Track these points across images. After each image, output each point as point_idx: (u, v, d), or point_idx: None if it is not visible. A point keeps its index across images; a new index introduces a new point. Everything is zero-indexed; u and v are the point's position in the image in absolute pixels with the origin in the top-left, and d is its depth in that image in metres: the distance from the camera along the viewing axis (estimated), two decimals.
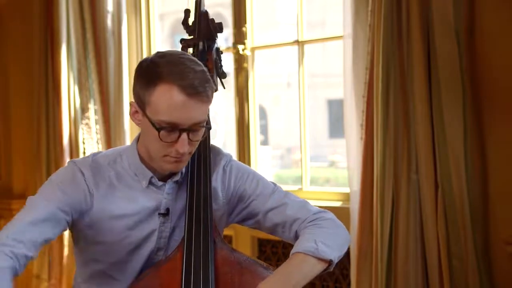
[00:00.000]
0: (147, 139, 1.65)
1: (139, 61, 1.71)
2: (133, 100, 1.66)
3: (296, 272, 1.62)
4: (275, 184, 1.85)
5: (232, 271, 1.67)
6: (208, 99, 1.60)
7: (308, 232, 1.72)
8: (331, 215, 1.80)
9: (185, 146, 1.60)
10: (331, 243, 1.68)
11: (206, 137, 1.77)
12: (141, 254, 1.73)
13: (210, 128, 1.71)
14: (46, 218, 1.60)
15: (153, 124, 1.59)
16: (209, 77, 1.62)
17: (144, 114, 1.61)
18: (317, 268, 1.65)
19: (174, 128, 1.58)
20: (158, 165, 1.67)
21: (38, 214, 1.60)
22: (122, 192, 1.70)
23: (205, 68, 1.63)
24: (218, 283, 1.65)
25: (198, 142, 1.67)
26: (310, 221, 1.75)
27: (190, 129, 1.60)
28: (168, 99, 1.56)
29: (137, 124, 1.68)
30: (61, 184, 1.66)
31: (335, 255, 1.68)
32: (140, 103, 1.62)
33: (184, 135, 1.59)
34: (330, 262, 1.67)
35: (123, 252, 1.72)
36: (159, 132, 1.58)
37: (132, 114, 1.67)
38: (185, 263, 1.64)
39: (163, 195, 1.72)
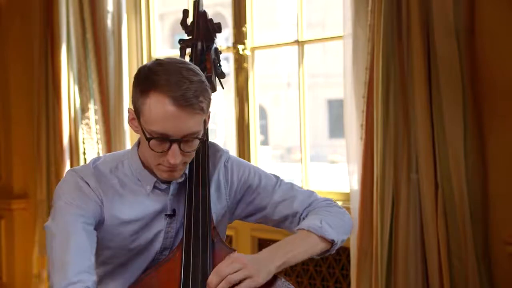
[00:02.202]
0: (143, 146, 1.65)
1: (139, 63, 1.70)
2: (130, 106, 1.65)
3: (296, 245, 1.64)
4: (277, 177, 1.85)
5: None
6: (201, 111, 1.57)
7: (314, 213, 1.75)
8: (337, 203, 1.83)
9: (176, 157, 1.58)
10: (336, 225, 1.71)
11: (205, 138, 1.76)
12: (147, 254, 1.73)
13: (203, 140, 1.67)
14: (84, 238, 1.58)
15: (144, 133, 1.58)
16: (207, 87, 1.59)
17: (139, 121, 1.60)
18: (319, 246, 1.67)
19: (164, 139, 1.57)
20: (155, 172, 1.67)
21: (76, 238, 1.57)
22: (127, 199, 1.69)
23: (203, 78, 1.60)
24: None
25: (193, 153, 1.64)
26: (318, 207, 1.78)
27: (182, 140, 1.58)
28: (159, 110, 1.54)
29: (135, 131, 1.66)
30: (74, 201, 1.63)
31: (339, 238, 1.70)
32: (136, 110, 1.61)
33: (175, 146, 1.57)
34: (332, 243, 1.69)
35: (130, 254, 1.72)
36: (149, 141, 1.57)
37: (130, 121, 1.66)
38: (184, 263, 1.64)
39: (168, 196, 1.71)
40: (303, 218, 1.78)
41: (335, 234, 1.69)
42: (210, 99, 1.61)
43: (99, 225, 1.66)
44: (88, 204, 1.64)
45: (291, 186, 1.83)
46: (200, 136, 1.61)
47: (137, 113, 1.60)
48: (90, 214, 1.63)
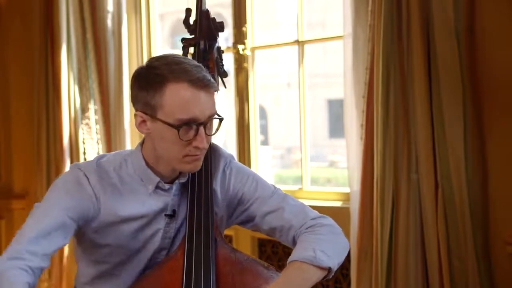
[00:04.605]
0: (162, 145, 1.63)
1: (139, 63, 1.71)
2: (136, 111, 1.64)
3: (294, 282, 1.60)
4: (274, 187, 1.83)
5: (233, 271, 1.67)
6: (215, 89, 1.63)
7: (305, 239, 1.69)
8: (329, 220, 1.77)
9: (204, 140, 1.61)
10: (329, 250, 1.66)
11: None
12: (144, 254, 1.73)
13: (222, 119, 1.69)
14: (57, 227, 1.59)
15: (171, 125, 1.58)
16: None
17: (157, 119, 1.60)
18: (316, 276, 1.63)
19: (191, 124, 1.59)
20: (177, 167, 1.66)
21: (49, 223, 1.58)
22: (128, 197, 1.69)
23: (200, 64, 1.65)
24: (219, 283, 1.65)
25: (212, 136, 1.67)
26: (308, 227, 1.73)
27: (206, 123, 1.61)
28: (182, 97, 1.57)
29: (146, 133, 1.66)
30: (68, 191, 1.64)
31: (334, 263, 1.66)
32: (149, 110, 1.60)
33: (202, 129, 1.60)
34: (329, 269, 1.65)
35: (128, 253, 1.72)
36: (178, 131, 1.58)
37: (139, 125, 1.65)
38: (186, 262, 1.64)
39: (170, 196, 1.72)
40: (292, 237, 1.74)
41: (331, 261, 1.64)
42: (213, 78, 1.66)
43: (88, 222, 1.66)
44: (81, 198, 1.64)
45: (283, 197, 1.79)
46: (217, 116, 1.65)
47: (151, 112, 1.60)
48: (78, 209, 1.63)
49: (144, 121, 1.63)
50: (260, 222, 1.79)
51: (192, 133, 1.59)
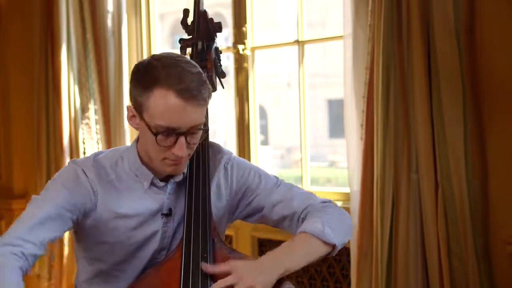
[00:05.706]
0: (146, 142, 1.64)
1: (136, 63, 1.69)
2: (129, 104, 1.66)
3: (298, 250, 1.63)
4: (277, 178, 1.85)
5: None
6: (204, 102, 1.60)
7: (315, 215, 1.72)
8: (336, 204, 1.81)
9: (183, 149, 1.59)
10: (337, 228, 1.69)
11: (205, 137, 1.76)
12: (144, 254, 1.73)
13: (207, 130, 1.69)
14: (53, 217, 1.60)
15: (150, 129, 1.58)
16: (205, 78, 1.61)
17: (142, 118, 1.61)
18: (320, 250, 1.66)
19: (171, 132, 1.58)
20: (158, 168, 1.67)
21: (45, 213, 1.60)
22: (124, 194, 1.70)
23: (201, 70, 1.62)
24: None
25: (196, 145, 1.66)
26: (317, 208, 1.76)
27: (188, 133, 1.59)
28: (164, 104, 1.55)
29: (135, 128, 1.67)
30: (65, 184, 1.66)
31: (339, 241, 1.68)
32: (137, 107, 1.61)
33: (182, 139, 1.59)
34: (333, 246, 1.67)
35: (126, 252, 1.72)
36: (156, 136, 1.58)
37: (129, 118, 1.66)
38: (184, 263, 1.64)
39: (165, 195, 1.72)
40: (302, 219, 1.76)
41: (337, 238, 1.67)
42: (210, 89, 1.63)
43: (85, 216, 1.67)
44: (78, 192, 1.65)
45: (290, 187, 1.82)
46: (203, 127, 1.63)
47: (139, 109, 1.61)
48: (76, 203, 1.64)
49: (134, 116, 1.64)
50: (269, 213, 1.80)
51: (171, 140, 1.59)
